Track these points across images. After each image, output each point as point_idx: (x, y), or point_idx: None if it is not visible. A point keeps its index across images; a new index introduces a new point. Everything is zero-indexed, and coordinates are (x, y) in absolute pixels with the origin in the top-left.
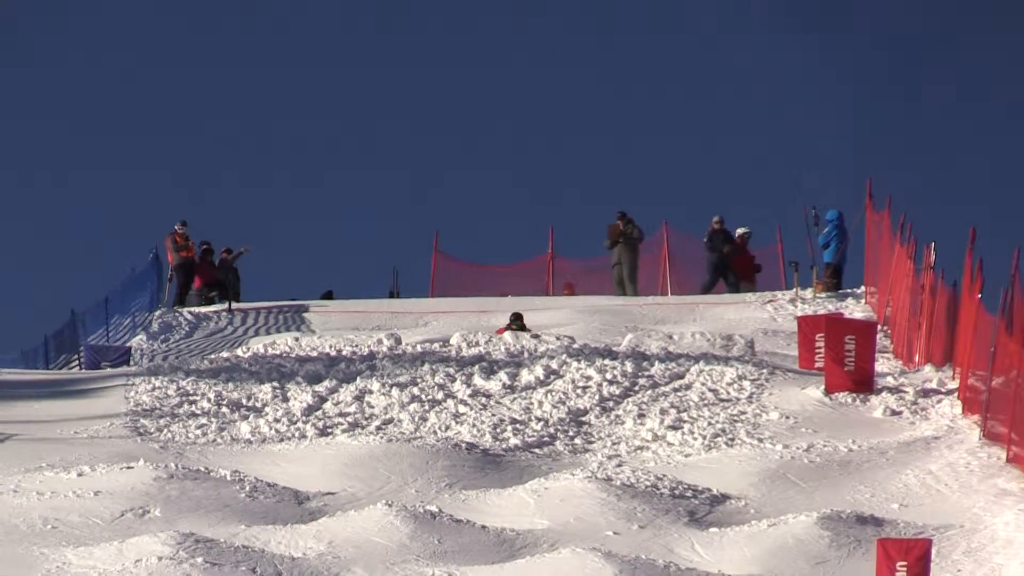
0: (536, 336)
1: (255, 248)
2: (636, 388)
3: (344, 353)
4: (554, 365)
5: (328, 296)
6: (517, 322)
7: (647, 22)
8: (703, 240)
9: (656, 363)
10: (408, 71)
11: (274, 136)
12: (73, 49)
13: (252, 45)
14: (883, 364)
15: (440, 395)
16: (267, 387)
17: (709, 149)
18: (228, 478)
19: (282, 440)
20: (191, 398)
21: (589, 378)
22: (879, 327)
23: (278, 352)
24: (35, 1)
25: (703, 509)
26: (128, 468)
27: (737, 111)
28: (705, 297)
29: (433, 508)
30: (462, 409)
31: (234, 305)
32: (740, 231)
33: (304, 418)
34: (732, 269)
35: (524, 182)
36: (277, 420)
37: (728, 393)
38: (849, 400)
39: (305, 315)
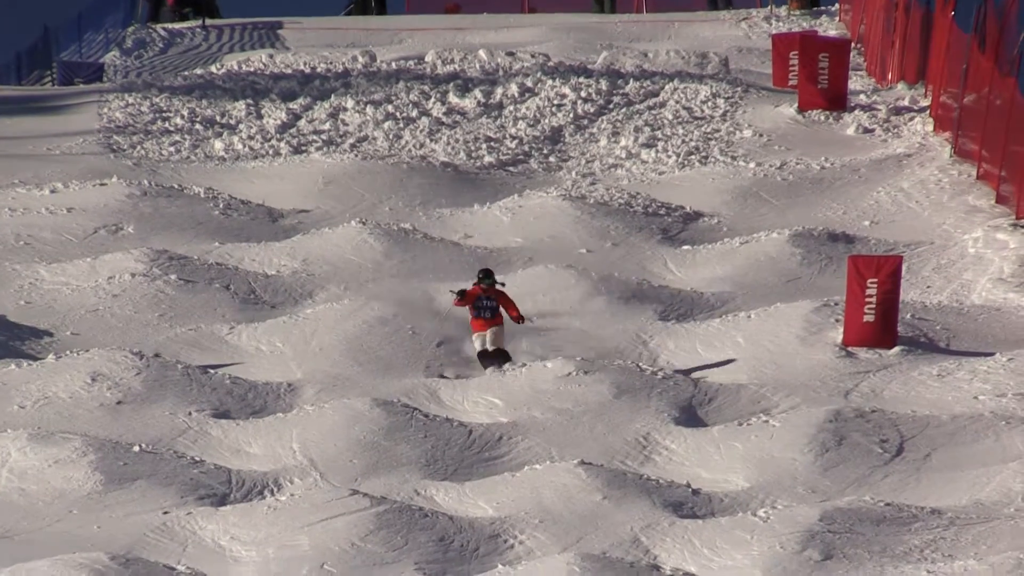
0: (511, 54)
1: None
2: (610, 106)
3: (318, 70)
4: (529, 83)
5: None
6: (487, 279)
7: None
8: None
9: (631, 81)
10: None
11: None
12: None
13: None
14: (856, 82)
15: (415, 113)
16: (241, 104)
17: None
18: (201, 195)
19: (256, 157)
20: (164, 115)
21: (564, 96)
22: (853, 45)
23: (252, 69)
24: None
25: (676, 227)
26: (101, 185)
27: None
28: (680, 15)
29: (407, 226)
30: (436, 127)
31: (208, 21)
32: None
33: (278, 135)
34: None
35: None
36: (251, 137)
37: (702, 111)
38: (822, 118)
39: (279, 32)
